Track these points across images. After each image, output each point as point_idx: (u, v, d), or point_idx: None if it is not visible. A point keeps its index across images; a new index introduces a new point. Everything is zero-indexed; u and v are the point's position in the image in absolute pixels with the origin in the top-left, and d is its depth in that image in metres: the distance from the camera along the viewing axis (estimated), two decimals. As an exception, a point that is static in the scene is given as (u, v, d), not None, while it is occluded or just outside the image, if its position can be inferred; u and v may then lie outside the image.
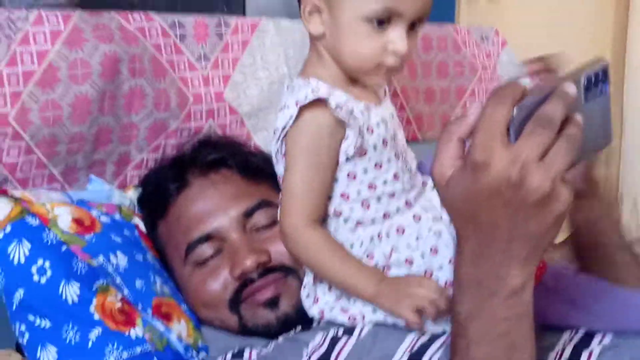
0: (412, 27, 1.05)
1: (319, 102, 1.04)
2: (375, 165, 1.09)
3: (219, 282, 1.23)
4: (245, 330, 1.23)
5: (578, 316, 1.10)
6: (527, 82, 0.87)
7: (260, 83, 1.58)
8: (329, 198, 1.12)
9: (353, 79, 1.09)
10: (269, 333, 1.20)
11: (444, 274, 1.07)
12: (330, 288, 1.13)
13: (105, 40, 1.34)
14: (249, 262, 1.20)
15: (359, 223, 1.11)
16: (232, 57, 1.54)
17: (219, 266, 1.24)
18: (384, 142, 1.09)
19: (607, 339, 1.10)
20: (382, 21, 1.02)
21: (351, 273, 1.08)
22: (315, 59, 1.12)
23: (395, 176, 1.11)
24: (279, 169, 1.12)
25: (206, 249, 1.25)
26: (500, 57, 1.98)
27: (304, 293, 1.16)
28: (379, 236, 1.11)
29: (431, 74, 1.92)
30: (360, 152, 1.08)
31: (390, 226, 1.10)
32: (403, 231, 1.10)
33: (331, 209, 1.12)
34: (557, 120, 0.78)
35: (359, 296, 1.07)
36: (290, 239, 1.10)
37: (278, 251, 1.21)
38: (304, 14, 1.09)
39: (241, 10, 1.83)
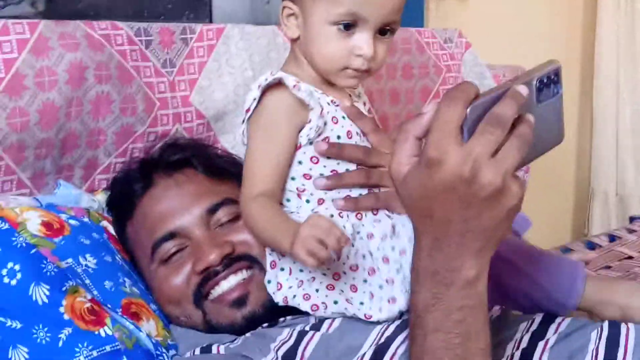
0: (383, 33, 1.07)
1: (280, 85, 1.06)
2: None
3: (181, 277, 1.23)
4: (210, 327, 1.24)
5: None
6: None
7: (225, 87, 1.59)
8: (292, 179, 1.13)
9: (328, 82, 1.11)
10: (233, 331, 1.20)
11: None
12: (290, 272, 1.14)
13: (70, 49, 1.35)
14: (213, 257, 1.20)
15: (320, 200, 1.12)
16: (198, 62, 1.55)
17: (183, 262, 1.24)
18: (349, 134, 1.11)
19: (563, 327, 1.13)
20: (348, 25, 1.04)
21: (277, 226, 1.06)
22: (292, 61, 1.14)
23: (359, 167, 1.12)
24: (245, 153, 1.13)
25: (171, 246, 1.25)
26: (464, 59, 2.00)
27: (265, 279, 1.16)
28: (339, 214, 1.11)
29: (396, 75, 1.94)
30: (323, 139, 1.10)
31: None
32: (362, 217, 1.12)
33: (294, 188, 1.13)
34: (509, 120, 0.80)
35: (282, 249, 1.05)
36: (242, 211, 1.11)
37: (241, 241, 1.23)
38: (282, 18, 1.11)
39: (208, 17, 1.85)
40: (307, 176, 1.12)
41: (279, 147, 1.10)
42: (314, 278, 1.12)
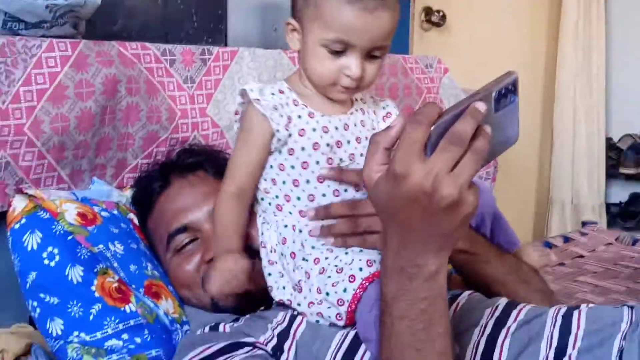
0: (371, 55, 1.04)
1: (251, 99, 1.05)
2: (302, 164, 1.08)
3: (192, 265, 1.24)
4: (216, 308, 1.23)
5: None
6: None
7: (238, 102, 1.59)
8: (264, 180, 1.12)
9: (322, 94, 1.09)
10: (236, 312, 1.20)
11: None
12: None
13: (106, 65, 1.36)
14: None
15: (278, 207, 1.11)
16: (214, 79, 1.55)
17: (194, 252, 1.24)
18: (315, 145, 1.08)
19: (523, 314, 1.12)
20: (338, 51, 1.01)
21: (225, 234, 1.11)
22: (298, 71, 1.12)
23: (320, 179, 1.09)
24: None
25: (184, 238, 1.25)
26: (442, 82, 2.01)
27: (266, 272, 1.15)
28: (292, 227, 1.10)
29: (384, 94, 1.93)
30: (288, 149, 1.08)
31: (288, 217, 1.10)
32: (299, 212, 1.10)
33: (263, 188, 1.12)
34: (467, 137, 0.79)
35: (215, 249, 1.13)
36: (218, 201, 1.13)
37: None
38: (286, 32, 1.09)
39: (223, 41, 1.85)
40: (274, 181, 1.10)
41: (253, 150, 1.09)
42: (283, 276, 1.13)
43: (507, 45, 3.29)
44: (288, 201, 1.10)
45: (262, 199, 1.13)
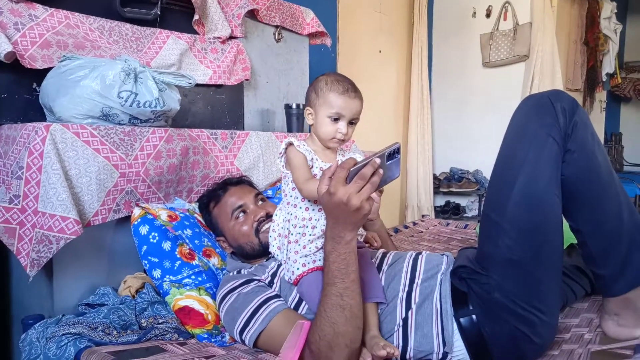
0: (351, 123, 0.96)
1: (292, 145, 0.96)
2: None
3: (247, 225, 1.18)
4: (260, 244, 1.16)
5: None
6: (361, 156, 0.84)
7: (250, 157, 1.58)
8: (292, 189, 1.00)
9: (325, 146, 0.99)
10: (267, 248, 1.13)
11: (321, 224, 0.99)
12: (275, 239, 1.07)
13: (182, 140, 1.35)
14: (262, 214, 1.19)
15: (288, 204, 1.02)
16: (237, 146, 1.54)
17: (247, 219, 1.20)
18: (319, 169, 0.98)
19: (390, 258, 1.08)
20: (335, 119, 0.94)
21: (309, 184, 0.93)
22: (310, 136, 1.00)
23: None
24: (282, 169, 1.00)
25: (239, 212, 1.20)
26: (352, 147, 2.02)
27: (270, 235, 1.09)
28: (294, 216, 1.01)
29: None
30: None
31: (297, 210, 1.01)
32: (305, 209, 1.00)
33: (288, 192, 1.02)
34: (368, 176, 0.80)
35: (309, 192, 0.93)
36: (302, 186, 0.95)
37: (269, 210, 1.20)
38: (306, 114, 0.98)
39: (242, 127, 1.85)
40: (294, 189, 1.00)
41: (303, 163, 0.95)
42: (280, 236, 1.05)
43: (386, 126, 3.33)
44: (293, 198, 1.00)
45: (286, 197, 1.02)
